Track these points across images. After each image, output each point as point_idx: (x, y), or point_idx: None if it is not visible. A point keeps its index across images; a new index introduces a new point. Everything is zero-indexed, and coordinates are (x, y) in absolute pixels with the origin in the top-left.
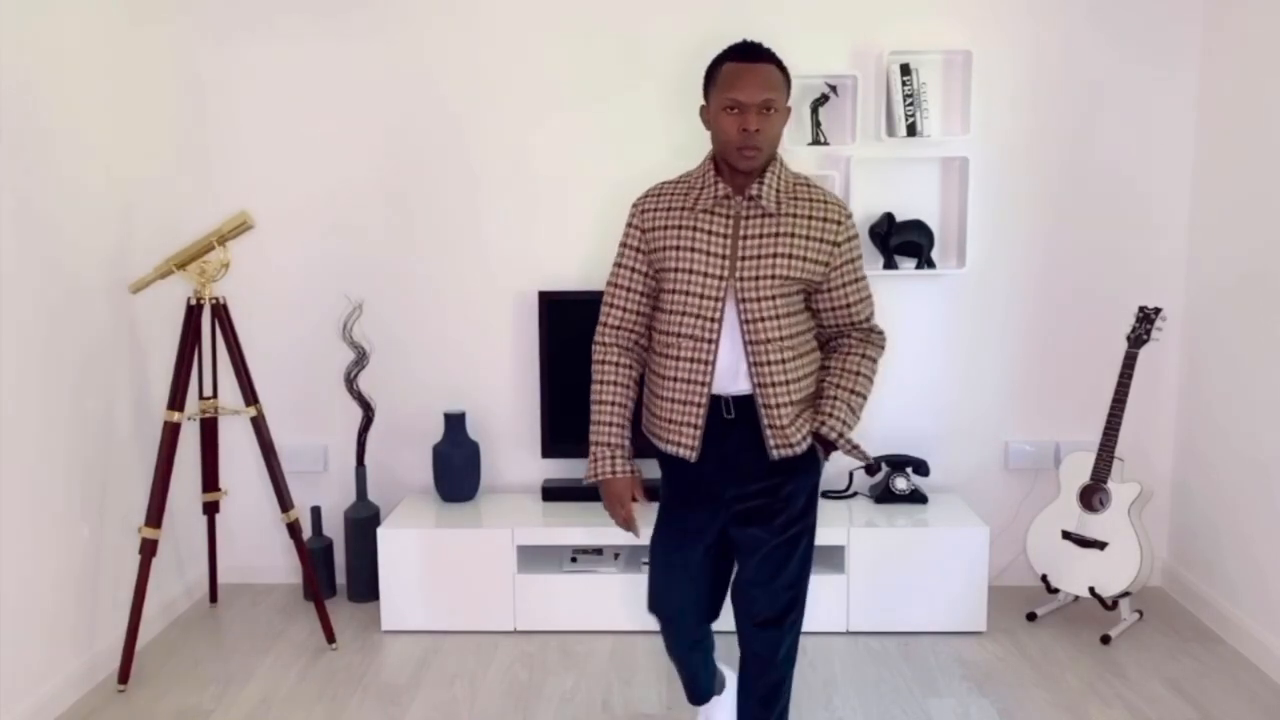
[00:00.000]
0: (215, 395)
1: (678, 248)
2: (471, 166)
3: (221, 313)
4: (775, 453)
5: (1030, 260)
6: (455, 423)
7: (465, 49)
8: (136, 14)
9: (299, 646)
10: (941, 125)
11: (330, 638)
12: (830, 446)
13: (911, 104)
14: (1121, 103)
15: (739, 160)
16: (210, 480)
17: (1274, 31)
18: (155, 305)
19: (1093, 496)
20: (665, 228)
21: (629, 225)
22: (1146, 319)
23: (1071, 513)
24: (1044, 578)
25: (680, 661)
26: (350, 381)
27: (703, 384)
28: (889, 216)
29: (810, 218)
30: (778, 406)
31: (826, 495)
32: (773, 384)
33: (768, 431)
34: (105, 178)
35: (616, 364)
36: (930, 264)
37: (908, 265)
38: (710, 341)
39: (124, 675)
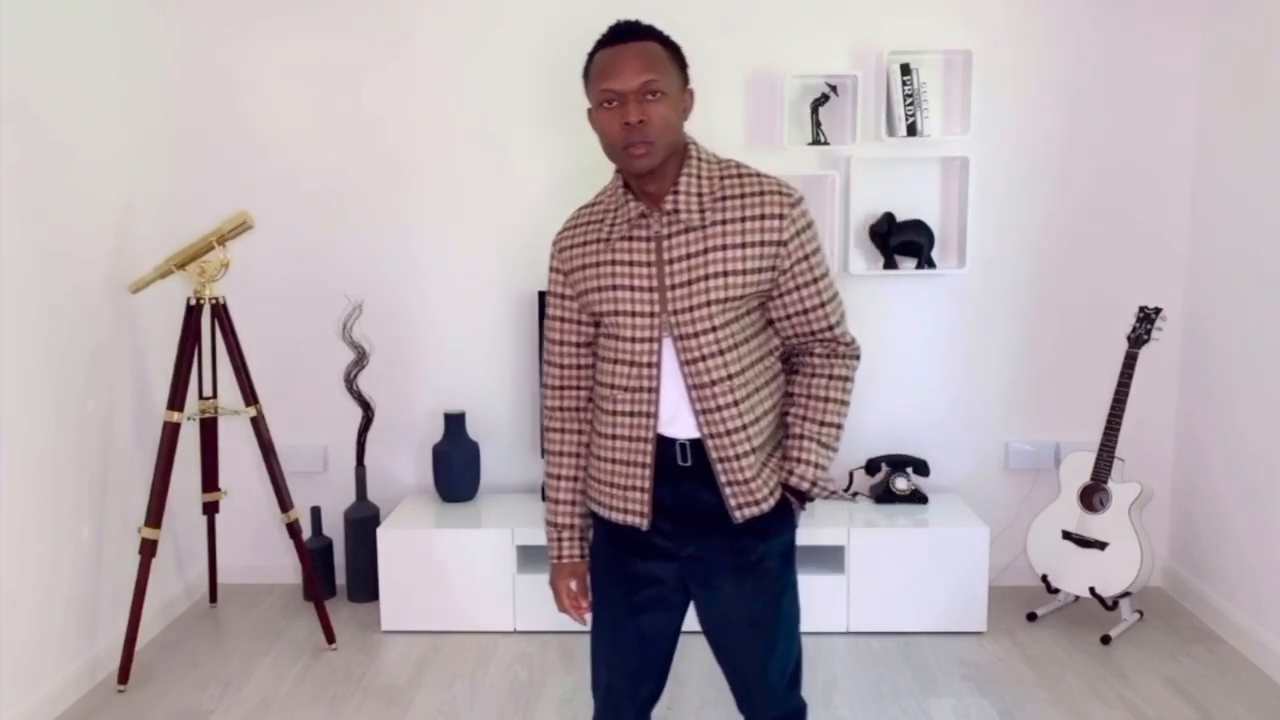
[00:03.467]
0: (215, 395)
1: (599, 289)
2: (472, 166)
3: (221, 313)
4: (739, 514)
5: (1030, 260)
6: (455, 423)
7: (465, 48)
8: (137, 14)
9: (299, 646)
10: (941, 125)
11: (330, 638)
12: (803, 497)
13: (911, 104)
14: (1122, 103)
15: (630, 163)
16: (210, 480)
17: (1274, 34)
18: (155, 305)
19: (1093, 496)
20: (585, 267)
21: (551, 269)
22: (1146, 319)
23: (1072, 513)
24: (1044, 578)
25: None
26: (350, 381)
27: (646, 440)
28: (889, 216)
29: (744, 219)
30: (736, 458)
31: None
32: (726, 432)
33: (727, 491)
34: (105, 177)
35: (562, 431)
36: (930, 264)
37: (908, 265)
38: (650, 390)
39: (124, 675)
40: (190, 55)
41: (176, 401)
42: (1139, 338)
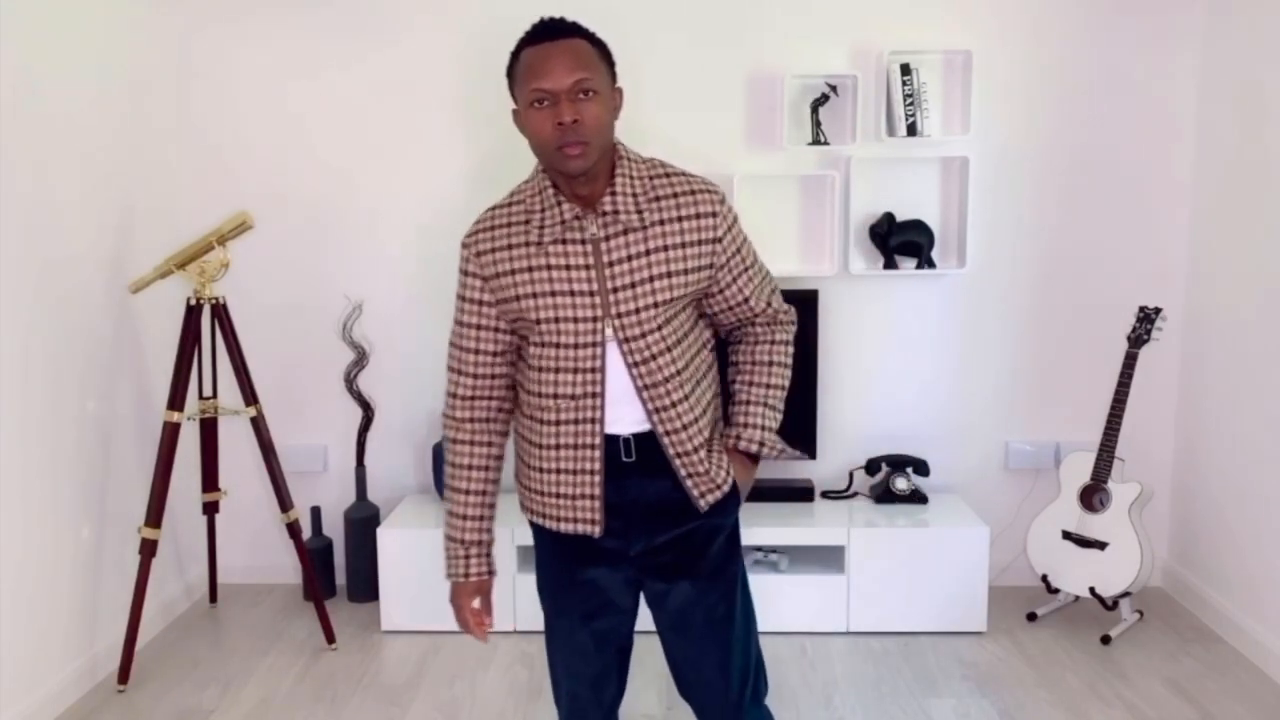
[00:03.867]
0: (215, 395)
1: (534, 295)
2: (472, 165)
3: (221, 313)
4: (704, 502)
5: (1030, 260)
6: None
7: (463, 48)
8: (137, 12)
9: (299, 646)
10: (941, 125)
11: (330, 638)
12: (754, 459)
13: (911, 104)
14: (1122, 102)
15: (565, 163)
16: (210, 480)
17: (1274, 35)
18: (155, 305)
19: (1093, 496)
20: (513, 273)
21: (464, 273)
22: (1146, 319)
23: (1072, 513)
24: (1044, 578)
25: None
26: (350, 381)
27: (593, 446)
28: (889, 216)
29: (681, 219)
30: (693, 451)
31: (827, 495)
32: (682, 427)
33: (689, 483)
34: (105, 177)
35: (472, 444)
36: (930, 264)
37: (908, 265)
38: (594, 395)
39: (124, 675)
40: (191, 55)
41: (176, 401)
42: (1139, 338)
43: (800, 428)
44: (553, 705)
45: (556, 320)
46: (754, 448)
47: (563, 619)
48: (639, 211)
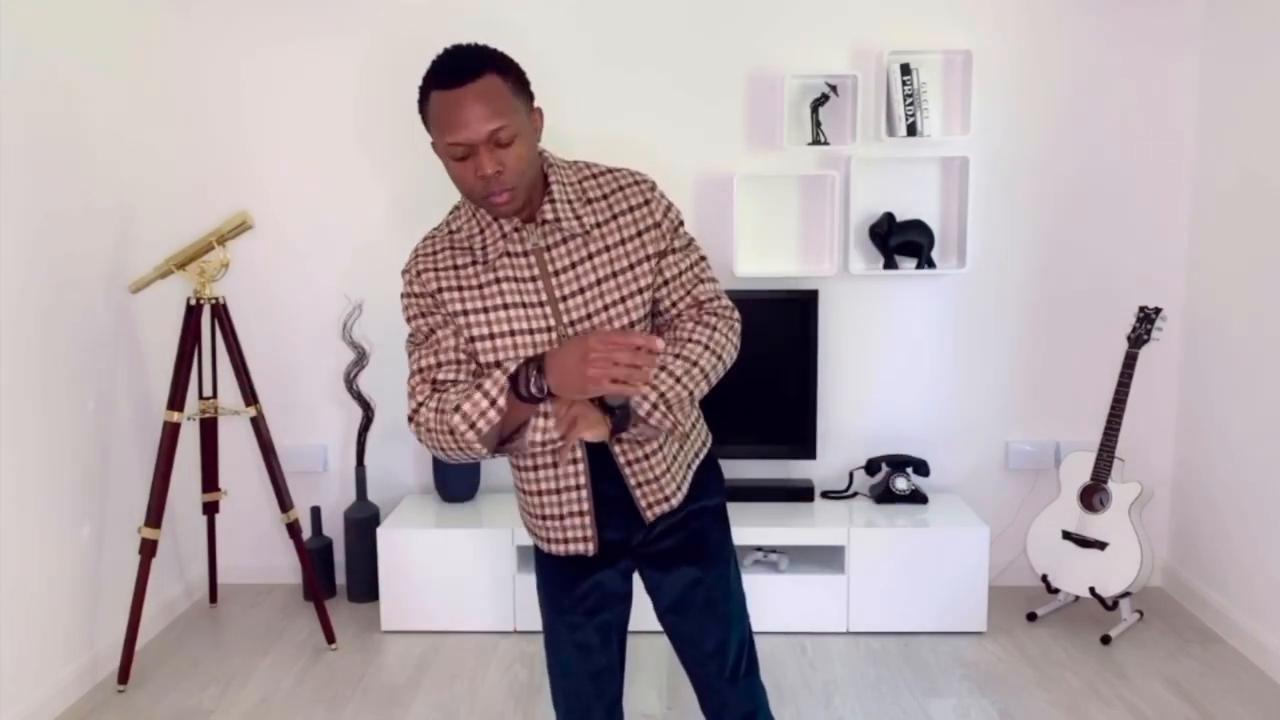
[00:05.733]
0: (215, 395)
1: (485, 309)
2: None
3: (221, 313)
4: (650, 513)
5: (1030, 260)
6: None
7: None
8: (137, 15)
9: (299, 646)
10: (941, 125)
11: (330, 638)
12: (633, 419)
13: (911, 104)
14: (1122, 102)
15: (494, 210)
16: (210, 480)
17: (1274, 34)
18: (155, 305)
19: (1093, 496)
20: (461, 289)
21: (411, 297)
22: (1146, 319)
23: (1072, 513)
24: (1044, 578)
25: None
26: (350, 381)
27: (574, 459)
28: (889, 216)
29: (616, 216)
30: (645, 458)
31: (827, 495)
32: (630, 438)
33: (637, 492)
34: (105, 177)
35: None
36: (930, 264)
37: (908, 265)
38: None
39: (124, 675)
40: (191, 55)
41: (176, 401)
42: (1139, 338)
43: (800, 428)
44: (552, 705)
45: (511, 333)
46: (644, 407)
47: (564, 618)
48: (578, 217)
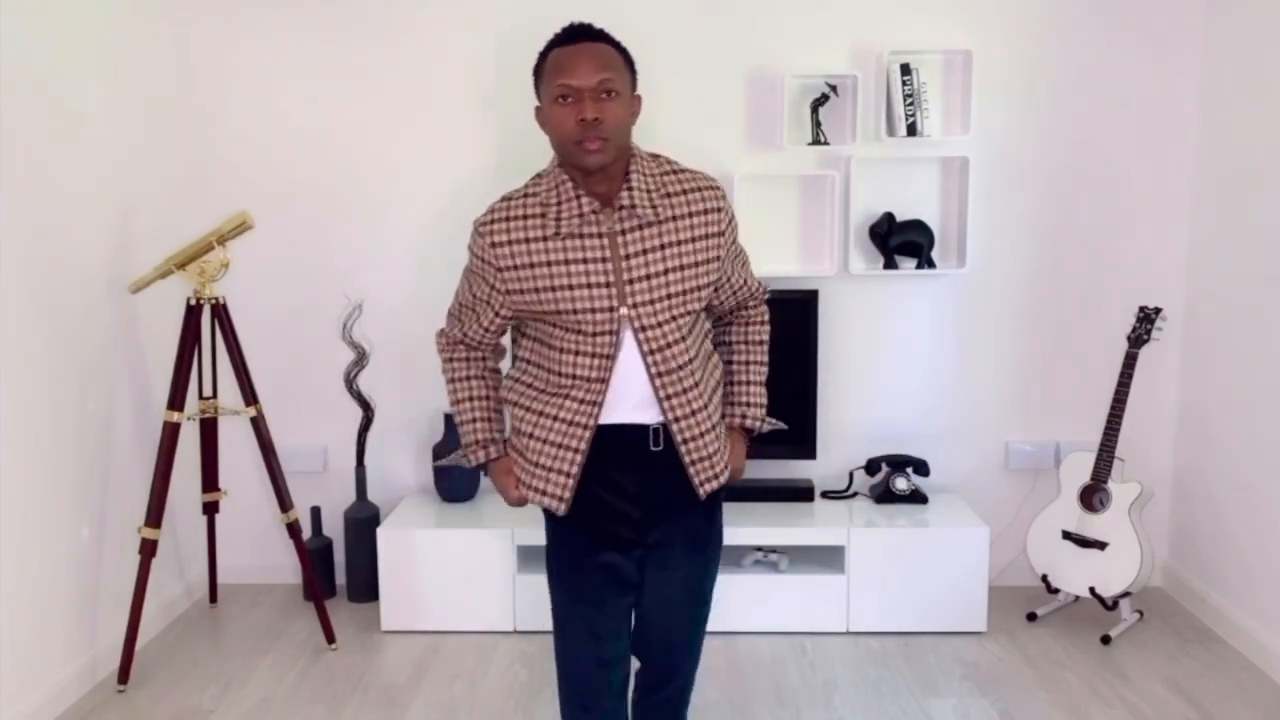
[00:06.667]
0: (215, 395)
1: (552, 289)
2: (472, 166)
3: (221, 313)
4: (704, 490)
5: (1030, 260)
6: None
7: (464, 49)
8: (136, 12)
9: (299, 646)
10: (941, 125)
11: (330, 638)
12: (751, 434)
13: (911, 104)
14: (1122, 102)
15: (583, 158)
16: (210, 480)
17: (1274, 34)
18: (155, 305)
19: (1093, 496)
20: (531, 265)
21: (475, 256)
22: (1146, 319)
23: (1072, 513)
24: (1044, 578)
25: None
26: (350, 381)
27: (586, 427)
28: (889, 216)
29: (691, 214)
30: (700, 435)
31: (827, 495)
32: (691, 413)
33: (693, 470)
34: (105, 177)
35: (468, 359)
36: (930, 264)
37: (908, 265)
38: (602, 381)
39: (124, 675)
40: (190, 54)
41: (176, 401)
42: (1139, 338)
43: (800, 428)
44: (552, 705)
45: (576, 312)
46: (758, 424)
47: (579, 605)
48: (653, 206)
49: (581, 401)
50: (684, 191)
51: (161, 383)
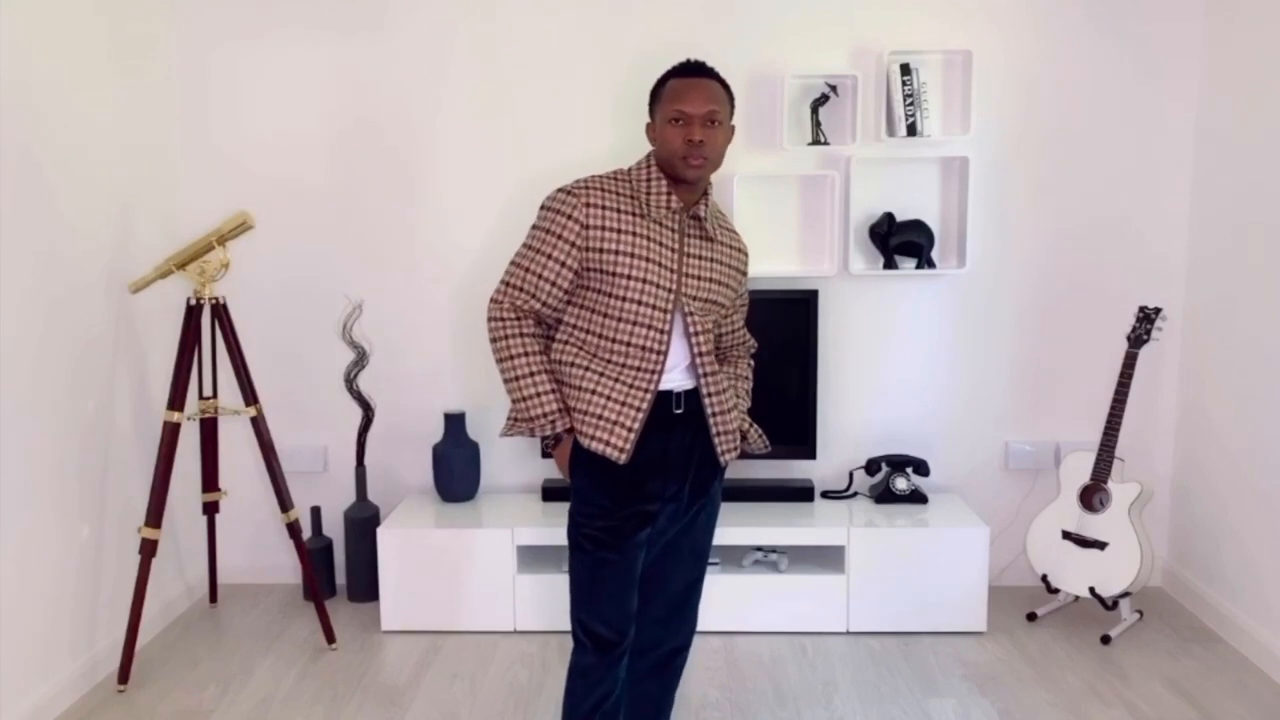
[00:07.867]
0: (215, 395)
1: (632, 255)
2: (473, 167)
3: (221, 313)
4: (726, 457)
5: (1030, 260)
6: (455, 423)
7: (465, 49)
8: (136, 13)
9: (299, 646)
10: (941, 125)
11: (330, 638)
12: (743, 437)
13: (911, 104)
14: (1121, 102)
15: (685, 169)
16: (210, 480)
17: (1275, 32)
18: (155, 305)
19: (1093, 496)
20: (618, 230)
21: (561, 214)
22: (1146, 319)
23: (1071, 513)
24: (1044, 578)
25: (619, 700)
26: (350, 381)
27: (647, 390)
28: (889, 216)
29: (732, 249)
30: (726, 411)
31: (827, 495)
32: (720, 391)
33: (719, 440)
34: (105, 177)
35: (534, 334)
36: (930, 264)
37: (908, 265)
38: (660, 353)
39: (124, 675)
40: (190, 55)
41: (176, 401)
42: (1139, 338)
43: (800, 428)
44: (553, 705)
45: (645, 280)
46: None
47: (615, 553)
48: (715, 228)
49: (639, 369)
50: (730, 230)
51: (161, 383)
